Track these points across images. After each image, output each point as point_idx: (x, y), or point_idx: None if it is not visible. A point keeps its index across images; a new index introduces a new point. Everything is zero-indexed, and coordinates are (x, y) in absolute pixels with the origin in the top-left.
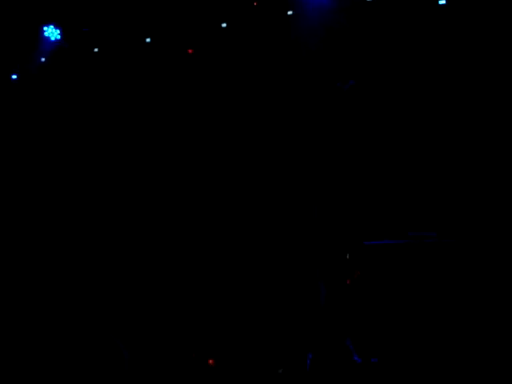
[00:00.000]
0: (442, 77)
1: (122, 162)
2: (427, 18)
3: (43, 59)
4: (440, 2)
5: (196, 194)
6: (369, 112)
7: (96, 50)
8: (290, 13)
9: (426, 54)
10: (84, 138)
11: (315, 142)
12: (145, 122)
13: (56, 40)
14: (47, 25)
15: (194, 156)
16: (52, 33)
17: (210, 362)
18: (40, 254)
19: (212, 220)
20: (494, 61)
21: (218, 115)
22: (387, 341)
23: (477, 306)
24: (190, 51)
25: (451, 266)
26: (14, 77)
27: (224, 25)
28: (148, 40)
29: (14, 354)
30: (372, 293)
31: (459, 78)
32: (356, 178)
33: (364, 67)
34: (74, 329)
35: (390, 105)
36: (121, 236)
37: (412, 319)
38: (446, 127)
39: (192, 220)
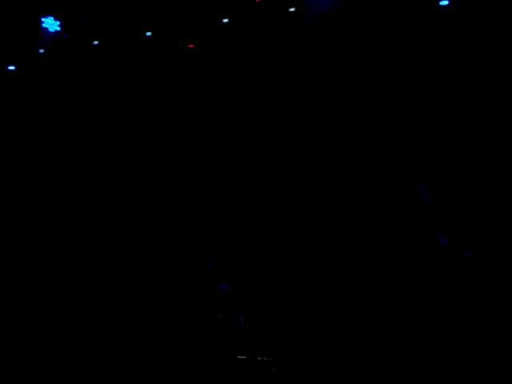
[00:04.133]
0: (442, 78)
1: (120, 156)
2: (432, 17)
3: (42, 51)
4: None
5: (196, 192)
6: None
7: (96, 42)
8: (291, 9)
9: (429, 52)
10: (82, 132)
11: (318, 140)
12: (144, 117)
13: (55, 31)
14: (46, 16)
15: (193, 152)
16: (51, 24)
17: None
18: (40, 253)
19: (212, 220)
20: (494, 61)
21: (218, 110)
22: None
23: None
24: (190, 46)
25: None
26: (12, 68)
27: (225, 20)
28: (149, 34)
29: (18, 353)
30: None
31: (458, 80)
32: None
33: (364, 64)
34: (73, 328)
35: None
36: (121, 236)
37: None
38: (451, 130)
39: (192, 220)
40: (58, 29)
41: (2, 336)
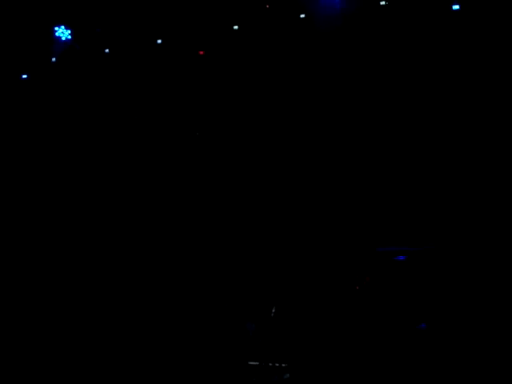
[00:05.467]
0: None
1: (130, 161)
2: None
3: (54, 59)
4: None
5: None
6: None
7: (107, 50)
8: (302, 16)
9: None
10: (93, 138)
11: (325, 145)
12: (154, 123)
13: (67, 40)
14: (58, 25)
15: (202, 156)
16: (63, 33)
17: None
18: (40, 253)
19: (212, 220)
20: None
21: (227, 115)
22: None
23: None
24: (201, 53)
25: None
26: (25, 76)
27: (236, 27)
28: (159, 41)
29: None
30: (381, 298)
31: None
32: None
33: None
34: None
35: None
36: (121, 236)
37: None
38: (453, 132)
39: (191, 220)
40: (70, 37)
41: (1, 336)
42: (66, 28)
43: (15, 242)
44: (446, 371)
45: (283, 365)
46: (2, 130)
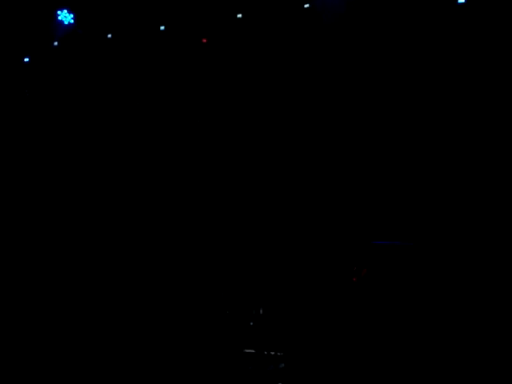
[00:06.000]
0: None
1: (131, 152)
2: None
3: (56, 43)
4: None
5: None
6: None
7: (109, 36)
8: (306, 6)
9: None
10: (93, 124)
11: (325, 139)
12: (156, 110)
13: (69, 24)
14: (61, 9)
15: (204, 148)
16: (66, 17)
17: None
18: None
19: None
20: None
21: (229, 103)
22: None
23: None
24: (204, 40)
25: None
26: (27, 59)
27: (239, 15)
28: (162, 28)
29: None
30: (377, 291)
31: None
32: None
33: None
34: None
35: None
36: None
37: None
38: (452, 128)
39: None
40: (72, 21)
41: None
42: (69, 12)
43: (14, 240)
44: (445, 363)
45: (279, 353)
46: (5, 113)
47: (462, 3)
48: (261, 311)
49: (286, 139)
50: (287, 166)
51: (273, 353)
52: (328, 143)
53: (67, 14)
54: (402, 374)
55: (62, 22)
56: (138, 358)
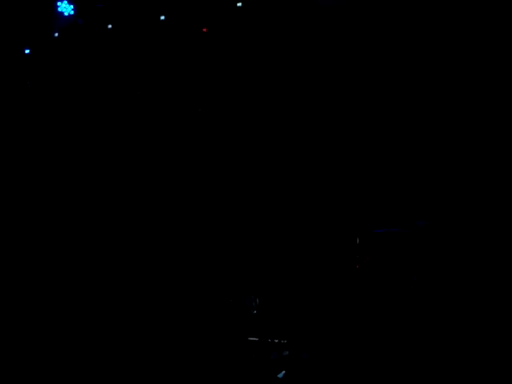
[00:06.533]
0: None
1: (132, 143)
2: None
3: (56, 34)
4: None
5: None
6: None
7: (110, 26)
8: None
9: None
10: (94, 116)
11: (325, 131)
12: (157, 102)
13: (69, 15)
14: (61, 0)
15: (204, 139)
16: (65, 8)
17: None
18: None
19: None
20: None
21: (230, 93)
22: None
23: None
24: (204, 30)
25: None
26: (27, 51)
27: (239, 4)
28: (162, 18)
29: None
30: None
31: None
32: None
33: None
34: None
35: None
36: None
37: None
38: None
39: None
40: (72, 13)
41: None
42: (69, 3)
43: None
44: (446, 349)
45: (282, 341)
46: (6, 105)
47: None
48: (264, 299)
49: (285, 129)
50: (287, 155)
51: (276, 341)
52: (327, 133)
53: (67, 5)
54: (405, 360)
55: (62, 13)
56: (141, 347)
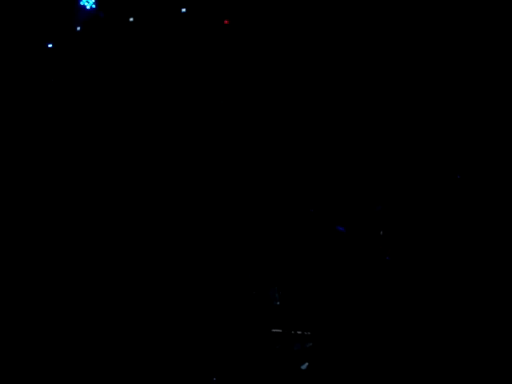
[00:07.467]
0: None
1: (153, 137)
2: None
3: (78, 28)
4: None
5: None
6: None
7: (131, 19)
8: None
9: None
10: (118, 109)
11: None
12: (182, 95)
13: (91, 9)
14: None
15: (218, 133)
16: (88, 1)
17: None
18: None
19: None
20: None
21: (251, 83)
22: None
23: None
24: (226, 22)
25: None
26: (50, 45)
27: None
28: (183, 10)
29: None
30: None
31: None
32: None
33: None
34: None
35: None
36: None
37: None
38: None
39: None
40: (94, 6)
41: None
42: None
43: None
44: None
45: (306, 333)
46: (30, 100)
47: None
48: (287, 291)
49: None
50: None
51: (300, 332)
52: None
53: None
54: (423, 348)
55: (84, 6)
56: (165, 337)
